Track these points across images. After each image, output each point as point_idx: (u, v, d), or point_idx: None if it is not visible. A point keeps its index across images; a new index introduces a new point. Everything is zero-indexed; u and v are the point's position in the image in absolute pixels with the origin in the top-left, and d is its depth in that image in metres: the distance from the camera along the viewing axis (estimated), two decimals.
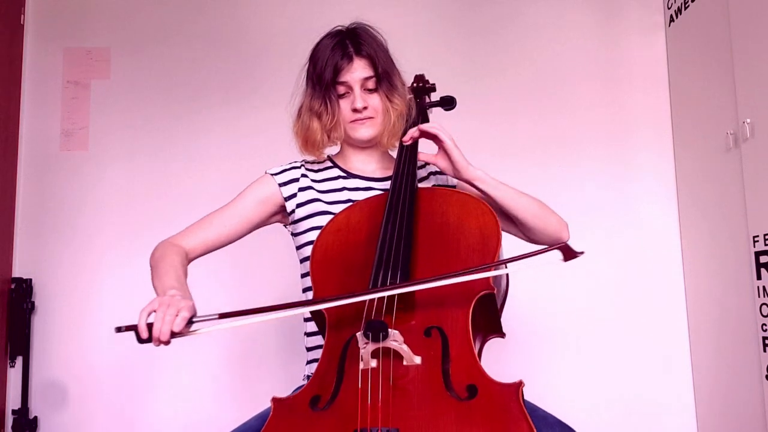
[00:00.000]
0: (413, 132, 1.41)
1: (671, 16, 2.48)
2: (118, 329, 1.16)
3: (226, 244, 1.53)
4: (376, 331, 1.04)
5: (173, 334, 1.16)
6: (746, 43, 1.98)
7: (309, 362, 1.52)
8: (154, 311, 1.17)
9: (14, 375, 2.40)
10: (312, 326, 1.49)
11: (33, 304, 2.43)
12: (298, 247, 1.53)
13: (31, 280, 2.44)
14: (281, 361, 2.37)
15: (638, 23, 2.56)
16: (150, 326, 1.16)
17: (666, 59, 2.52)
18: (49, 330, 2.43)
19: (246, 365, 2.42)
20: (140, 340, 1.17)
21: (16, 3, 2.54)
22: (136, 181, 2.51)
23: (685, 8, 2.37)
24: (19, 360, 2.40)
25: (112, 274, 2.46)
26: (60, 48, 2.58)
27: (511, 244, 1.39)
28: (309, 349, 1.52)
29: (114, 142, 2.54)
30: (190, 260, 1.48)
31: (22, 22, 2.57)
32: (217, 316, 1.17)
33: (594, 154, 2.50)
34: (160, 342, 1.16)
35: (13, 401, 2.38)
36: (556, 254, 1.09)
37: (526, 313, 2.30)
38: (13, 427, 2.33)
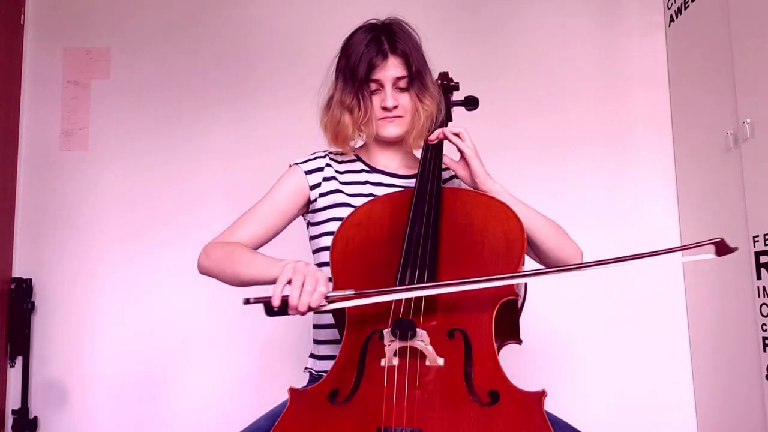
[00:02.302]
0: (438, 133, 1.43)
1: (671, 16, 2.48)
2: (246, 301, 1.11)
3: (268, 241, 1.49)
4: (405, 330, 1.04)
5: (309, 308, 1.12)
6: (746, 43, 1.97)
7: (312, 355, 1.51)
8: (290, 281, 1.12)
9: (14, 375, 2.40)
10: (319, 318, 1.49)
11: (33, 304, 2.43)
12: (314, 237, 1.51)
13: (31, 280, 2.44)
14: (288, 355, 2.36)
15: (638, 23, 2.56)
16: (284, 297, 1.11)
17: (666, 59, 2.52)
18: (49, 330, 2.43)
19: (249, 362, 2.42)
20: (270, 313, 1.12)
21: (16, 3, 2.54)
22: (136, 181, 2.51)
23: (685, 8, 2.37)
24: (19, 360, 2.40)
25: (112, 274, 2.46)
26: (60, 48, 2.58)
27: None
28: (316, 342, 1.51)
29: (114, 142, 2.54)
30: None
31: (22, 22, 2.57)
32: (353, 293, 1.12)
33: (594, 154, 2.50)
34: (297, 312, 1.11)
35: (13, 401, 2.38)
36: (709, 249, 1.05)
37: (526, 315, 2.29)
38: (13, 427, 2.33)
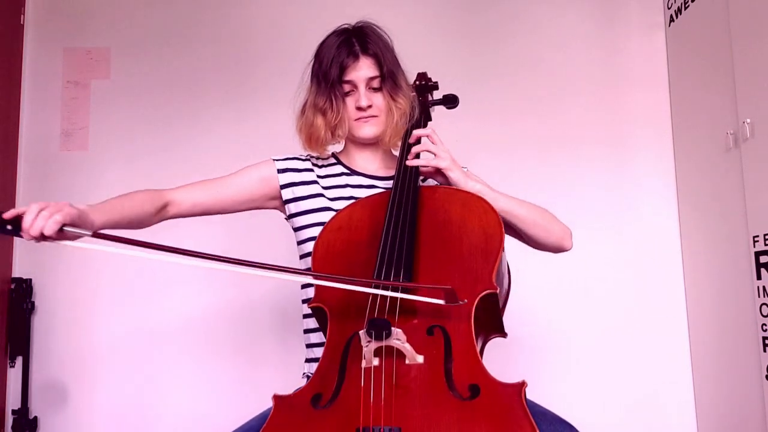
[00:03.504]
0: (417, 161, 1.41)
1: (671, 16, 2.48)
2: None
3: (215, 212, 1.53)
4: (379, 330, 1.04)
5: (44, 237, 1.11)
6: (746, 43, 1.98)
7: (308, 360, 1.52)
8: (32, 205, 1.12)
9: (14, 375, 2.40)
10: (311, 323, 1.49)
11: (33, 304, 2.43)
12: (299, 242, 1.52)
13: (31, 280, 2.44)
14: (282, 358, 2.37)
15: (638, 23, 2.56)
16: (19, 219, 1.10)
17: (666, 59, 2.52)
18: (49, 330, 2.43)
19: (247, 364, 2.42)
20: (3, 230, 1.10)
21: (16, 3, 2.54)
22: (136, 181, 2.49)
23: (685, 8, 2.37)
24: (19, 360, 2.40)
25: (112, 274, 2.46)
26: (60, 48, 2.58)
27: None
28: (308, 346, 1.52)
29: (114, 142, 2.54)
30: (167, 211, 1.48)
31: (22, 22, 2.56)
32: (90, 234, 1.13)
33: (594, 155, 2.50)
34: (30, 237, 1.10)
35: (13, 401, 2.38)
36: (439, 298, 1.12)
37: (527, 313, 2.30)
38: (13, 427, 2.33)
